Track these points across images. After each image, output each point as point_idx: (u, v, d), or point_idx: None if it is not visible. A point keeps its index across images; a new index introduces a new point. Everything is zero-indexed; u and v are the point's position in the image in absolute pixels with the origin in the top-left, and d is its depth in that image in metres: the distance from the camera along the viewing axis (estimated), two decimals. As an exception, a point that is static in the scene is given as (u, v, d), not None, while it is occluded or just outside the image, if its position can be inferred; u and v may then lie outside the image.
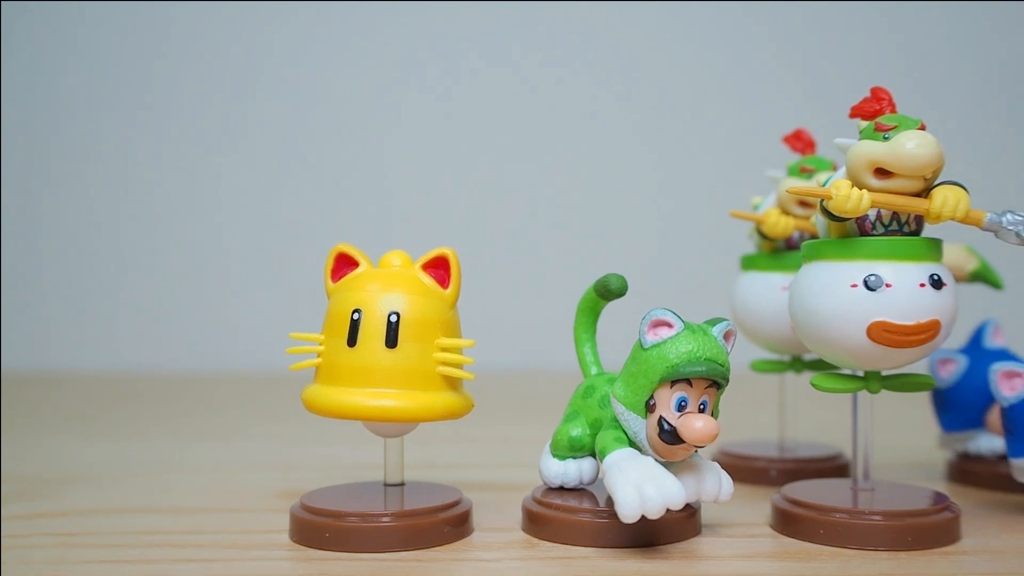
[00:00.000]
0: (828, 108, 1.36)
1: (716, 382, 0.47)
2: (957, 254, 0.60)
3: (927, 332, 0.47)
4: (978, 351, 0.62)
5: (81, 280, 1.40)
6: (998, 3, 1.39)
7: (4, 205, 1.40)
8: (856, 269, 0.48)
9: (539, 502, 0.51)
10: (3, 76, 1.38)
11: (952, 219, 0.47)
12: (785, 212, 0.60)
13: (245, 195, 1.40)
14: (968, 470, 0.62)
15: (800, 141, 0.63)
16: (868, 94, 0.50)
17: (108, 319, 1.40)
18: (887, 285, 0.47)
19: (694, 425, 0.45)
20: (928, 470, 0.66)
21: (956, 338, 0.67)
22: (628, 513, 0.44)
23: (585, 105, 1.41)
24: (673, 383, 0.46)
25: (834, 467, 0.64)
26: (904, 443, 0.76)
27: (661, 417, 0.46)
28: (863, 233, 0.49)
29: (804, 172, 0.61)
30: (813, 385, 0.51)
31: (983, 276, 0.61)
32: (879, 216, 0.49)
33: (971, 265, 0.61)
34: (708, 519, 0.53)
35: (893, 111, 0.49)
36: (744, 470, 0.64)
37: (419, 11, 1.39)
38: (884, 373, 0.51)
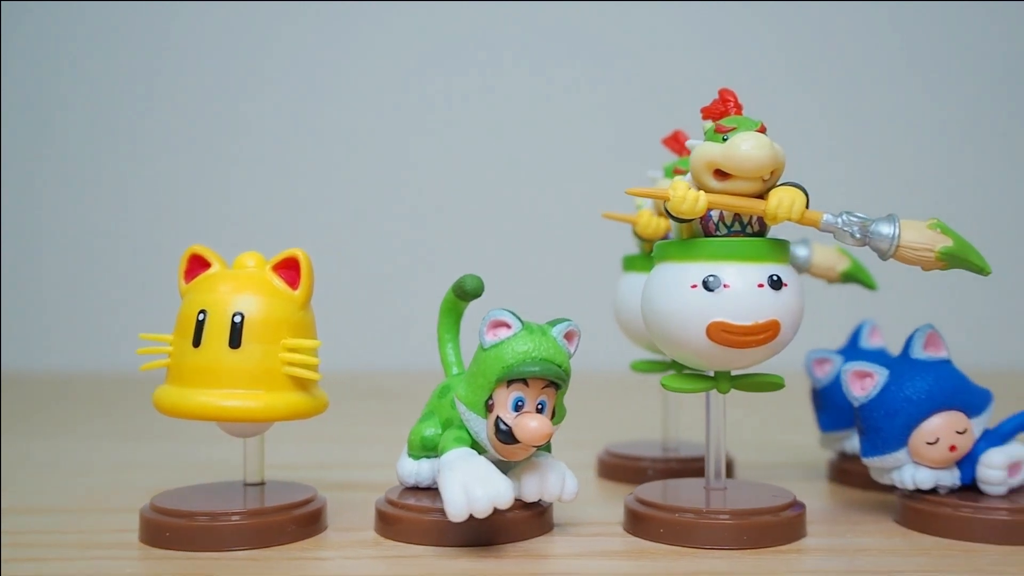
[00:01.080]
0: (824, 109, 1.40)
1: (554, 382, 0.47)
2: (828, 255, 0.61)
3: (766, 332, 0.48)
4: (855, 351, 0.62)
5: (81, 280, 1.41)
6: (998, 3, 1.39)
7: (4, 205, 1.40)
8: (697, 270, 0.48)
9: (390, 502, 0.51)
10: (3, 75, 1.38)
11: (788, 220, 0.47)
12: (660, 213, 0.61)
13: (245, 195, 1.40)
14: (847, 469, 0.62)
15: (677, 143, 0.63)
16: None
17: (109, 319, 1.40)
18: (725, 286, 0.47)
19: (528, 425, 0.46)
20: (811, 470, 0.67)
21: (836, 338, 0.68)
22: (454, 512, 0.45)
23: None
24: (510, 383, 0.47)
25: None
26: (800, 442, 0.77)
27: (498, 417, 0.47)
28: (707, 234, 0.50)
29: (678, 173, 0.61)
30: (663, 385, 0.51)
31: (855, 277, 0.61)
32: (721, 217, 0.49)
33: (842, 266, 0.61)
34: (566, 519, 0.53)
35: (739, 113, 0.50)
36: (627, 470, 0.64)
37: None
38: (734, 373, 0.51)
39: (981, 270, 0.48)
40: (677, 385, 0.51)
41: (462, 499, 0.45)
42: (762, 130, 0.48)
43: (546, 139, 1.41)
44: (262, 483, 0.54)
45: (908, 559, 0.47)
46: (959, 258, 0.47)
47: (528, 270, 1.36)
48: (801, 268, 0.62)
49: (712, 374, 0.51)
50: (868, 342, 0.63)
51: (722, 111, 0.50)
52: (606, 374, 1.00)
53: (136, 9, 1.40)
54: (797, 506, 0.51)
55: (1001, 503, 0.50)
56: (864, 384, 0.52)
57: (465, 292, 0.53)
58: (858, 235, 0.48)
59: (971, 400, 0.51)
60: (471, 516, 0.45)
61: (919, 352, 0.52)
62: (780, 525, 0.49)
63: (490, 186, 1.41)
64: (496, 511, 0.46)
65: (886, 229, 0.48)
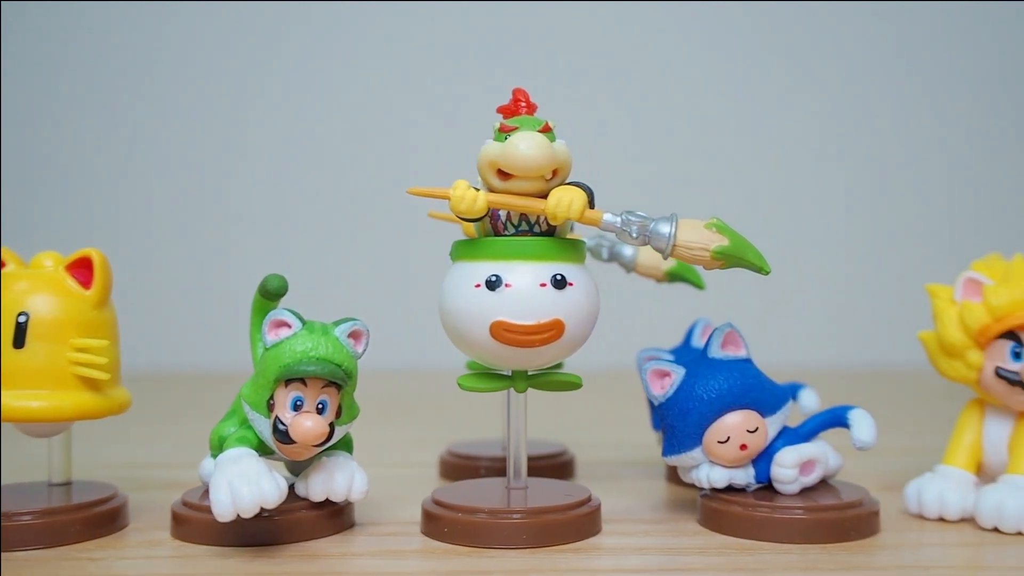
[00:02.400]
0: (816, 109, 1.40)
1: (335, 382, 0.47)
2: (652, 254, 0.61)
3: (548, 331, 0.48)
4: (687, 351, 0.62)
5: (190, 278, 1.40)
6: (996, 3, 1.39)
7: (4, 205, 1.39)
8: (481, 269, 0.48)
9: (184, 503, 0.51)
10: (3, 75, 1.37)
11: (568, 219, 0.47)
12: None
13: (245, 195, 1.39)
14: (682, 468, 0.63)
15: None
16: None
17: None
18: (507, 285, 0.48)
19: (303, 425, 0.46)
20: (654, 468, 0.67)
21: (674, 338, 0.68)
22: (219, 512, 0.45)
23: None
24: (288, 382, 0.47)
25: (557, 464, 0.65)
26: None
27: (276, 417, 0.47)
28: (496, 233, 0.50)
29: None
30: (459, 385, 0.51)
31: (682, 276, 0.61)
32: (508, 217, 0.49)
33: (667, 265, 0.61)
34: (369, 519, 0.53)
35: (530, 112, 0.50)
36: (465, 469, 0.64)
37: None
38: (530, 372, 0.51)
39: (760, 269, 0.48)
40: (472, 385, 0.51)
41: (227, 499, 0.45)
42: (545, 129, 0.48)
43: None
44: (68, 483, 0.54)
45: (691, 557, 0.47)
46: (735, 257, 0.47)
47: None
48: (628, 267, 0.62)
49: (510, 373, 0.51)
50: (700, 341, 0.63)
51: (513, 110, 0.50)
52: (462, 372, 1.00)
53: (135, 9, 1.39)
54: (590, 504, 0.51)
55: (798, 502, 0.50)
56: (663, 383, 0.52)
57: (268, 292, 0.53)
58: (635, 234, 0.48)
59: (765, 399, 0.51)
60: (261, 514, 0.45)
61: (716, 351, 0.52)
62: (570, 523, 0.50)
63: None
64: (285, 511, 0.47)
65: (663, 228, 0.48)
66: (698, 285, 0.62)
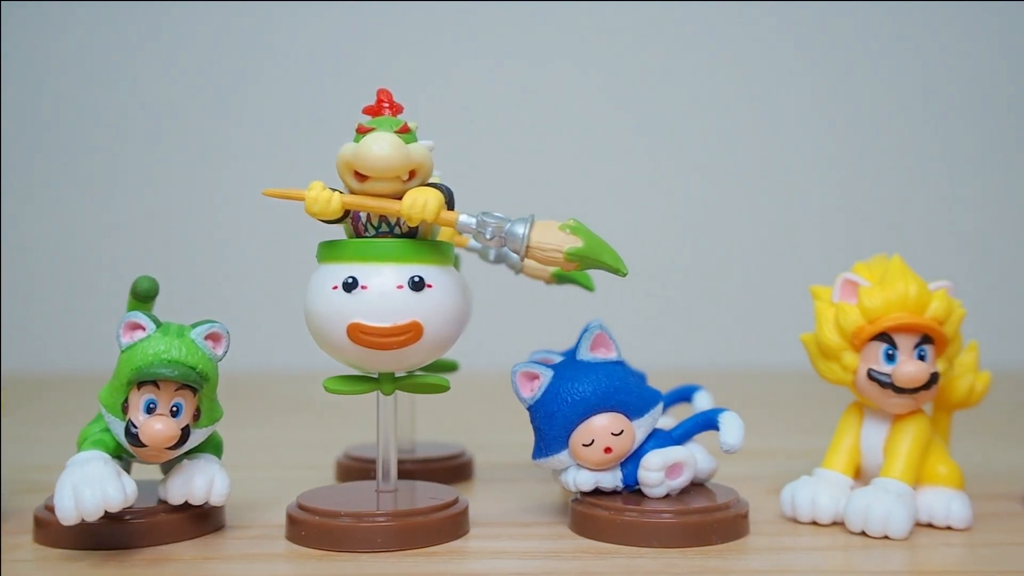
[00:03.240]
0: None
1: (189, 384, 0.47)
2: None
3: (405, 334, 0.47)
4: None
5: (81, 280, 1.40)
6: (996, 3, 1.39)
7: (4, 204, 1.38)
8: (339, 271, 0.48)
9: (47, 507, 0.50)
10: (2, 75, 1.37)
11: (424, 220, 0.47)
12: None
13: (246, 195, 1.38)
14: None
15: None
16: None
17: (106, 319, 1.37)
18: (363, 287, 0.47)
19: (152, 428, 0.46)
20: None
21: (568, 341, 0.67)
22: (62, 515, 0.44)
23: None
24: (140, 385, 0.46)
25: (453, 466, 0.65)
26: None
27: (129, 420, 0.46)
28: (356, 235, 0.49)
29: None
30: (325, 388, 0.50)
31: (570, 278, 0.61)
32: (368, 218, 0.49)
33: (554, 267, 0.60)
34: (241, 521, 0.53)
35: (395, 113, 0.49)
36: (360, 472, 0.64)
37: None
38: (397, 374, 0.51)
39: (617, 271, 0.48)
40: (337, 387, 0.50)
41: (71, 503, 0.44)
42: (403, 131, 0.48)
43: (541, 139, 1.40)
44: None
45: (545, 561, 0.46)
46: (590, 258, 0.47)
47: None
48: (516, 269, 0.61)
49: (377, 375, 0.51)
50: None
51: (376, 111, 0.49)
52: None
53: (135, 8, 1.39)
54: (456, 507, 0.51)
55: (667, 506, 0.50)
56: (532, 386, 0.51)
57: (139, 294, 0.53)
58: (489, 235, 0.47)
59: (632, 402, 0.50)
60: (122, 517, 0.45)
61: (585, 353, 0.51)
62: (433, 526, 0.49)
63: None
64: (145, 514, 0.48)
65: (518, 230, 0.47)
66: (587, 287, 0.62)
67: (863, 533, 0.50)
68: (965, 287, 0.60)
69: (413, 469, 0.64)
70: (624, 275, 0.48)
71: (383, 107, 0.49)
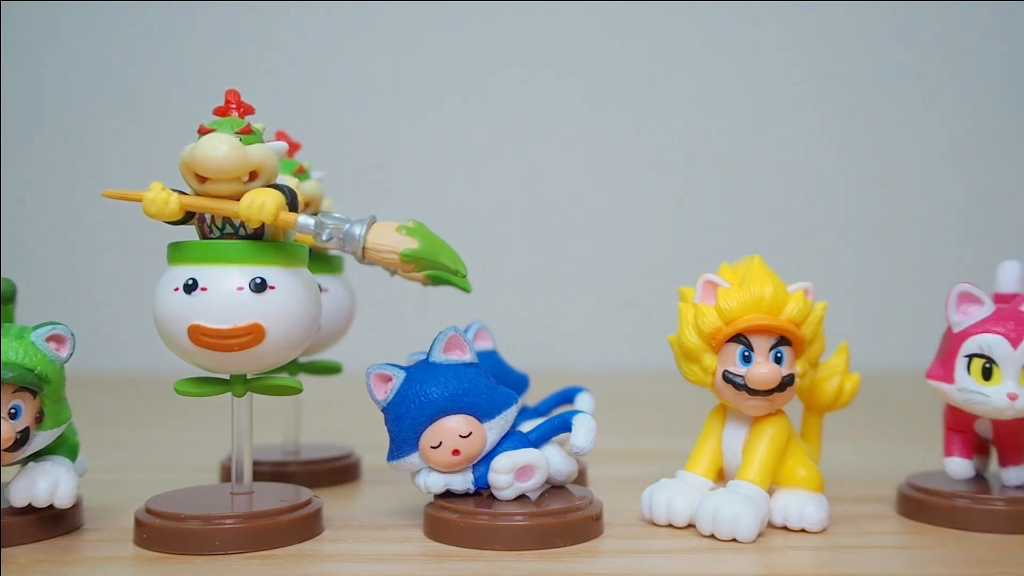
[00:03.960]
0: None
1: (28, 387, 0.47)
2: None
3: (246, 335, 0.47)
4: (458, 354, 0.62)
5: (83, 280, 1.40)
6: (996, 3, 1.38)
7: (4, 204, 1.38)
8: (182, 273, 0.48)
9: None
10: (2, 74, 1.37)
11: (262, 220, 0.47)
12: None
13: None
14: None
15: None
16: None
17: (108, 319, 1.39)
18: (203, 289, 0.47)
19: (-13, 430, 0.46)
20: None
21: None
22: None
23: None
24: (-16, 387, 0.46)
25: (340, 468, 0.65)
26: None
27: (-34, 421, 0.46)
28: (202, 236, 0.49)
29: (301, 172, 0.60)
30: (176, 390, 0.50)
31: (446, 279, 0.60)
32: (213, 220, 0.49)
33: (411, 247, 0.59)
34: (96, 524, 0.53)
35: (244, 114, 0.49)
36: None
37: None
38: (249, 376, 0.51)
39: (456, 272, 0.47)
40: (188, 389, 0.50)
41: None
42: (245, 131, 0.48)
43: (538, 138, 1.40)
44: None
45: (381, 565, 0.46)
46: (427, 260, 0.47)
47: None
48: (391, 271, 0.61)
49: (228, 377, 0.51)
50: (474, 344, 0.62)
51: (224, 112, 0.49)
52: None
53: (134, 7, 1.38)
54: (308, 508, 0.51)
55: (518, 508, 0.49)
56: (387, 387, 0.51)
57: None
58: (325, 238, 0.47)
59: (482, 404, 0.50)
60: None
61: (438, 355, 0.51)
62: (281, 528, 0.49)
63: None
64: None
65: (355, 231, 0.47)
66: (464, 288, 0.61)
67: (713, 536, 0.50)
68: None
69: (297, 471, 0.64)
70: (463, 276, 0.48)
71: (231, 108, 0.49)
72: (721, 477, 0.54)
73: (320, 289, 0.60)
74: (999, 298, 0.54)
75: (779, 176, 1.41)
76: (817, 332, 0.52)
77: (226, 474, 0.65)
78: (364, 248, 0.47)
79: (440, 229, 0.49)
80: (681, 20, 1.40)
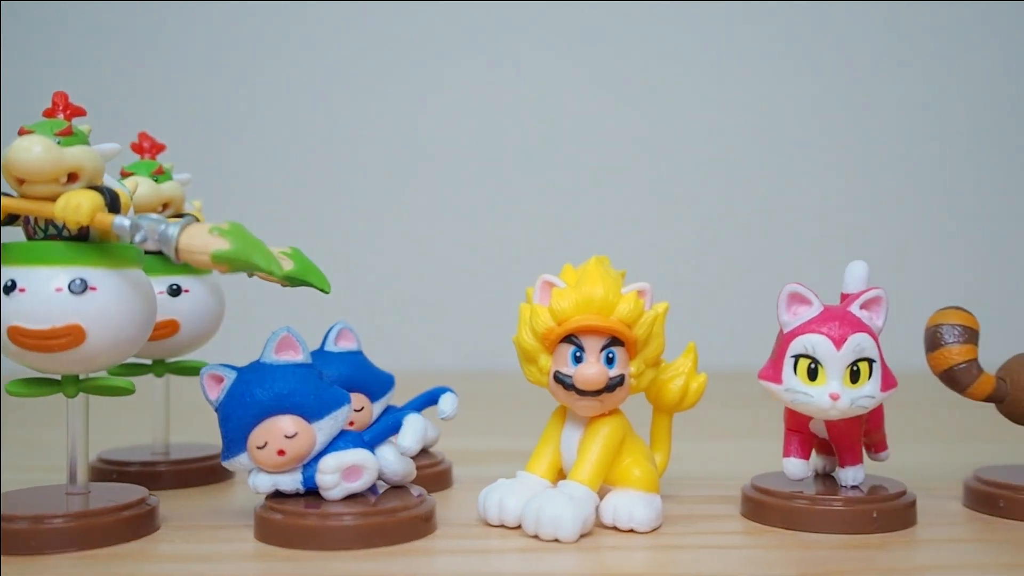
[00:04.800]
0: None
1: None
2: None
3: (65, 336, 0.47)
4: (321, 355, 0.62)
5: None
6: (996, 4, 1.38)
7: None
8: (3, 274, 0.48)
9: None
10: (3, 74, 1.37)
11: (78, 222, 0.47)
12: None
13: (246, 196, 1.39)
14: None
15: (143, 148, 0.63)
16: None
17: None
18: (21, 290, 0.47)
19: None
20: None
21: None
22: None
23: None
24: None
25: (207, 468, 0.65)
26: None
27: None
28: (28, 237, 0.49)
29: (123, 175, 0.61)
30: (7, 391, 0.51)
31: (303, 279, 0.60)
32: (36, 221, 0.49)
33: (285, 268, 0.60)
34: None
35: (71, 116, 0.49)
36: (111, 475, 0.64)
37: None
38: (82, 377, 0.51)
39: (270, 274, 0.48)
40: (19, 390, 0.50)
41: None
42: (65, 133, 0.48)
43: (536, 140, 1.40)
44: None
45: (206, 565, 0.46)
46: (239, 261, 0.47)
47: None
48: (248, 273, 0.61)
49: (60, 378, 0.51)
50: (335, 345, 0.62)
51: (50, 114, 0.49)
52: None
53: (136, 8, 1.39)
54: (141, 507, 0.51)
55: (347, 508, 0.50)
56: (219, 388, 0.51)
57: None
58: (139, 238, 0.47)
59: (310, 404, 0.50)
60: None
61: (269, 355, 0.51)
62: (112, 527, 0.49)
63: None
64: None
65: (170, 232, 0.47)
66: (322, 289, 0.61)
67: (537, 536, 0.50)
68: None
69: (165, 471, 0.64)
70: (280, 276, 0.48)
71: (57, 109, 0.49)
72: (562, 477, 0.54)
73: (180, 290, 0.61)
74: (845, 299, 0.54)
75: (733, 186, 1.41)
76: (653, 332, 0.52)
77: (94, 475, 0.65)
78: (177, 249, 0.47)
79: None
80: (667, 20, 1.39)
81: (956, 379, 0.55)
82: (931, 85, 1.40)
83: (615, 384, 0.51)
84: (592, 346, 0.51)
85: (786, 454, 0.54)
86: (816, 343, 0.50)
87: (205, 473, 0.64)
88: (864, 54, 1.40)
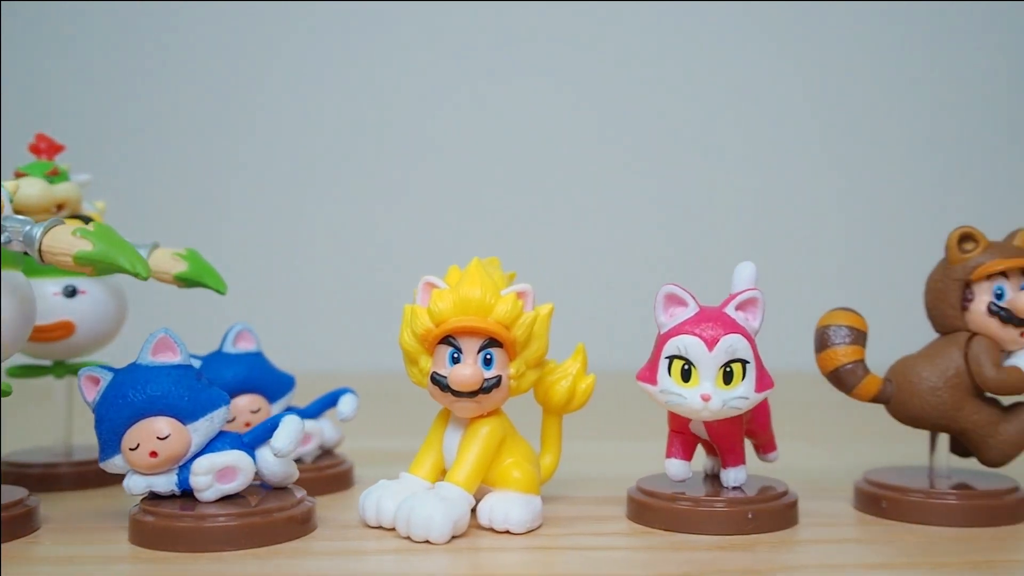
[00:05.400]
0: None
1: None
2: (163, 258, 0.60)
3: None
4: (219, 356, 0.62)
5: None
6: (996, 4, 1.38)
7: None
8: None
9: None
10: (3, 74, 1.36)
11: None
12: None
13: (247, 197, 1.38)
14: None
15: (40, 149, 0.63)
16: None
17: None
18: None
19: None
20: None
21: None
22: None
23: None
24: None
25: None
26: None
27: None
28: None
29: (16, 176, 0.61)
30: None
31: (197, 281, 0.60)
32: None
33: (176, 269, 0.60)
34: None
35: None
36: (18, 478, 0.64)
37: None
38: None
39: (137, 275, 0.48)
40: None
41: None
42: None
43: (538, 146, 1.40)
44: None
45: (72, 567, 0.46)
46: (103, 263, 0.47)
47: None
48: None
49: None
50: (234, 346, 0.62)
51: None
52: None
53: (138, 9, 1.38)
54: (18, 507, 0.51)
55: (221, 509, 0.50)
56: (96, 390, 0.51)
57: None
58: (3, 239, 0.47)
59: (184, 405, 0.50)
60: None
61: (146, 357, 0.51)
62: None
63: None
64: None
65: (34, 233, 0.47)
66: (218, 290, 0.61)
67: (408, 538, 0.50)
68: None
69: (67, 472, 0.64)
70: (144, 278, 0.48)
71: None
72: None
73: (76, 291, 0.61)
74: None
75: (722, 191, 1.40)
76: (533, 334, 0.52)
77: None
78: (40, 251, 0.47)
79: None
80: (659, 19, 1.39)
81: (842, 380, 0.55)
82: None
83: (491, 385, 0.51)
84: (470, 347, 0.51)
85: (668, 455, 0.54)
86: (688, 344, 0.50)
87: (107, 475, 0.64)
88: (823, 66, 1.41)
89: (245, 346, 0.63)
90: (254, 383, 0.62)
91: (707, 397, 0.49)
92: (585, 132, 1.39)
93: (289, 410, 0.63)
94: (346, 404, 0.62)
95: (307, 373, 0.75)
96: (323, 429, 0.63)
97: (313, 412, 0.63)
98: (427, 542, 0.49)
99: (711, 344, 0.49)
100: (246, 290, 0.61)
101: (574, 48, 1.38)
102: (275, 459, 0.53)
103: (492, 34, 1.39)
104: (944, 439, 0.57)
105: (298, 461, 0.63)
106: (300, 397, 0.65)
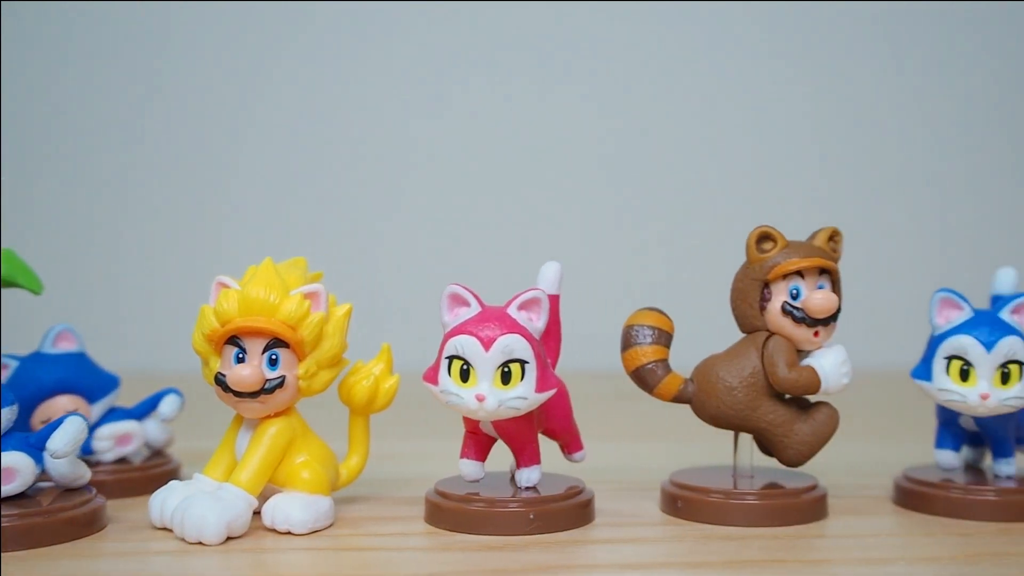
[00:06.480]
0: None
1: None
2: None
3: None
4: (38, 357, 0.62)
5: (82, 280, 1.37)
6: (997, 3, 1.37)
7: (4, 202, 1.35)
8: None
9: None
10: (3, 75, 1.35)
11: None
12: None
13: (248, 199, 1.37)
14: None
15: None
16: None
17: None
18: None
19: None
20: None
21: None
22: None
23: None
24: None
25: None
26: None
27: None
28: None
29: None
30: None
31: (13, 282, 0.60)
32: None
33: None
34: None
35: None
36: None
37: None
38: None
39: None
40: None
41: None
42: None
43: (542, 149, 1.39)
44: None
45: None
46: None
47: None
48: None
49: None
50: (53, 347, 0.62)
51: None
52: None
53: (139, 9, 1.37)
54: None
55: (7, 509, 0.49)
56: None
57: None
58: None
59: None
60: None
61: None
62: None
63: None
64: None
65: None
66: (33, 290, 0.61)
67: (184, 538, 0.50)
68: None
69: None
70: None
71: None
72: (238, 479, 0.54)
73: None
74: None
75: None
76: (324, 334, 0.52)
77: None
78: None
79: None
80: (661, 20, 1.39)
81: (643, 379, 0.55)
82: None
83: (275, 386, 0.51)
84: (254, 348, 0.51)
85: (462, 455, 0.54)
86: (465, 344, 0.50)
87: None
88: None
89: (66, 346, 0.62)
90: (73, 383, 0.62)
91: (481, 397, 0.49)
92: (583, 136, 1.38)
93: (113, 410, 0.63)
94: (167, 405, 0.63)
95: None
96: (147, 429, 0.63)
97: (138, 413, 0.63)
98: (200, 543, 0.49)
99: (487, 344, 0.49)
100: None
101: (575, 53, 1.37)
102: (67, 460, 0.53)
103: (487, 41, 1.38)
104: (747, 439, 0.57)
105: (123, 461, 0.63)
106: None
